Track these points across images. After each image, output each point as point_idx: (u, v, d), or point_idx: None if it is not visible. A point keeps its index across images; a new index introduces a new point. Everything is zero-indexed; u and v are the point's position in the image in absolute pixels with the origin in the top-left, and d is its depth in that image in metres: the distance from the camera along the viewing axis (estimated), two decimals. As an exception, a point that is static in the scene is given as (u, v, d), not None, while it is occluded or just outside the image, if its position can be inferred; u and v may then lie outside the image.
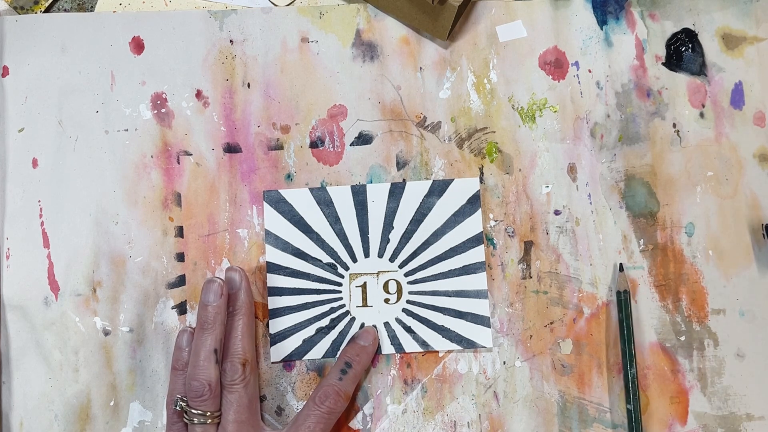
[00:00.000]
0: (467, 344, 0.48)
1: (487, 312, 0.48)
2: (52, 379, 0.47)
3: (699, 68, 0.50)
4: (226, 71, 0.50)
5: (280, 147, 0.49)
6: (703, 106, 0.50)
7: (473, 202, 0.49)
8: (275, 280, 0.48)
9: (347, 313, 0.48)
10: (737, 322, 0.48)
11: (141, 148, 0.49)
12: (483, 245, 0.48)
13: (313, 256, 0.48)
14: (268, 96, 0.49)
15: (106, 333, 0.47)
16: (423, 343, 0.48)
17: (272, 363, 0.48)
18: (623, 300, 0.47)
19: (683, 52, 0.50)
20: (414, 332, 0.48)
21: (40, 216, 0.48)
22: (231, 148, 0.49)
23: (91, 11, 0.50)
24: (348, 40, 0.50)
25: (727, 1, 0.51)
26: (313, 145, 0.49)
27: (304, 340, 0.48)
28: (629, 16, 0.50)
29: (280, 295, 0.48)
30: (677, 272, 0.49)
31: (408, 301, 0.48)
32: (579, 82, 0.50)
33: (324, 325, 0.48)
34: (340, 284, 0.48)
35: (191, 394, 0.43)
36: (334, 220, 0.49)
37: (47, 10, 0.50)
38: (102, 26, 0.50)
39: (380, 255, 0.48)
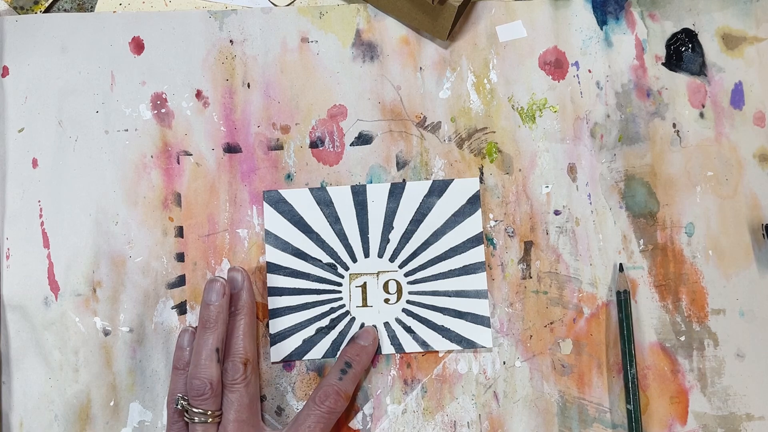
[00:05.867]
0: (467, 344, 0.48)
1: (487, 312, 0.48)
2: (52, 379, 0.47)
3: (699, 68, 0.50)
4: (226, 71, 0.50)
5: (280, 147, 0.49)
6: (703, 106, 0.50)
7: (473, 202, 0.49)
8: (275, 280, 0.48)
9: (347, 313, 0.48)
10: (737, 322, 0.48)
11: (141, 148, 0.49)
12: (483, 245, 0.48)
13: (313, 256, 0.48)
14: (268, 96, 0.49)
15: (106, 333, 0.47)
16: (423, 343, 0.48)
17: (272, 363, 0.48)
18: (623, 300, 0.47)
19: (683, 52, 0.50)
20: (414, 332, 0.48)
21: (40, 216, 0.48)
22: (231, 148, 0.49)
23: (91, 11, 0.50)
24: (348, 40, 0.50)
25: (727, 1, 0.51)
26: (313, 145, 0.49)
27: (304, 340, 0.48)
28: (629, 16, 0.50)
29: (280, 295, 0.48)
30: (677, 272, 0.49)
31: (408, 301, 0.48)
32: (579, 82, 0.50)
33: (324, 325, 0.48)
34: (340, 284, 0.48)
35: (192, 392, 0.43)
36: (334, 220, 0.49)
37: (47, 10, 0.50)
38: (102, 26, 0.50)
39: (380, 255, 0.48)
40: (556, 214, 0.49)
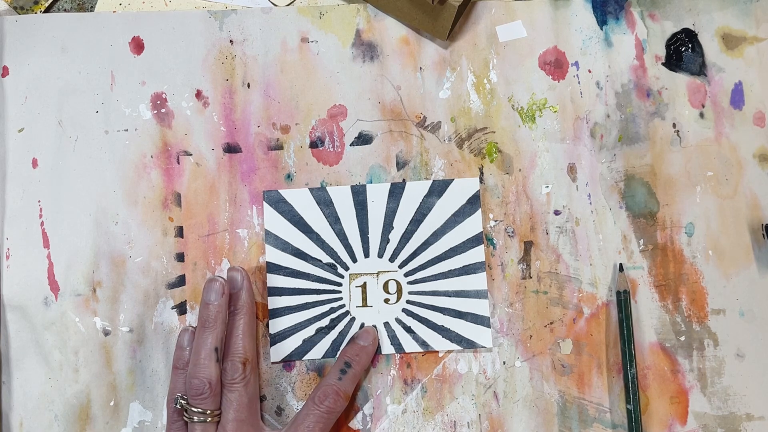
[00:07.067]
0: (467, 344, 0.48)
1: (487, 312, 0.48)
2: (52, 379, 0.47)
3: (699, 68, 0.50)
4: (226, 71, 0.50)
5: (280, 147, 0.49)
6: (703, 106, 0.50)
7: (473, 202, 0.49)
8: (275, 280, 0.48)
9: (347, 313, 0.48)
10: (737, 322, 0.48)
11: (141, 148, 0.49)
12: (483, 245, 0.48)
13: (313, 256, 0.48)
14: (268, 96, 0.49)
15: (106, 333, 0.47)
16: (423, 343, 0.48)
17: (272, 363, 0.48)
18: (623, 300, 0.47)
19: (683, 52, 0.50)
20: (414, 332, 0.48)
21: (40, 216, 0.48)
22: (231, 148, 0.49)
23: (91, 11, 0.50)
24: (348, 40, 0.50)
25: (727, 1, 0.51)
26: (313, 145, 0.49)
27: (304, 340, 0.48)
28: (629, 16, 0.50)
29: (280, 295, 0.48)
30: (677, 272, 0.49)
31: (408, 301, 0.48)
32: (579, 82, 0.50)
33: (324, 325, 0.48)
34: (340, 284, 0.48)
35: (191, 392, 0.43)
36: (334, 220, 0.49)
37: (47, 10, 0.50)
38: (102, 26, 0.50)
39: (380, 255, 0.48)
40: (556, 214, 0.49)
